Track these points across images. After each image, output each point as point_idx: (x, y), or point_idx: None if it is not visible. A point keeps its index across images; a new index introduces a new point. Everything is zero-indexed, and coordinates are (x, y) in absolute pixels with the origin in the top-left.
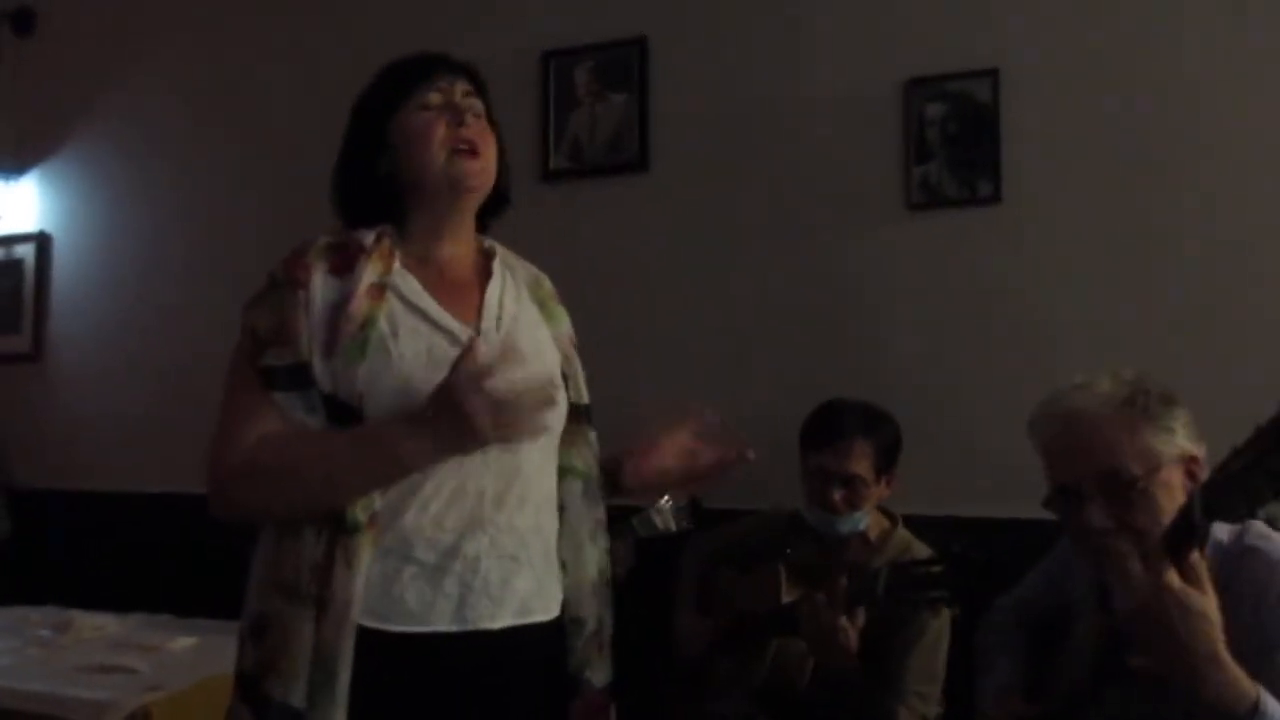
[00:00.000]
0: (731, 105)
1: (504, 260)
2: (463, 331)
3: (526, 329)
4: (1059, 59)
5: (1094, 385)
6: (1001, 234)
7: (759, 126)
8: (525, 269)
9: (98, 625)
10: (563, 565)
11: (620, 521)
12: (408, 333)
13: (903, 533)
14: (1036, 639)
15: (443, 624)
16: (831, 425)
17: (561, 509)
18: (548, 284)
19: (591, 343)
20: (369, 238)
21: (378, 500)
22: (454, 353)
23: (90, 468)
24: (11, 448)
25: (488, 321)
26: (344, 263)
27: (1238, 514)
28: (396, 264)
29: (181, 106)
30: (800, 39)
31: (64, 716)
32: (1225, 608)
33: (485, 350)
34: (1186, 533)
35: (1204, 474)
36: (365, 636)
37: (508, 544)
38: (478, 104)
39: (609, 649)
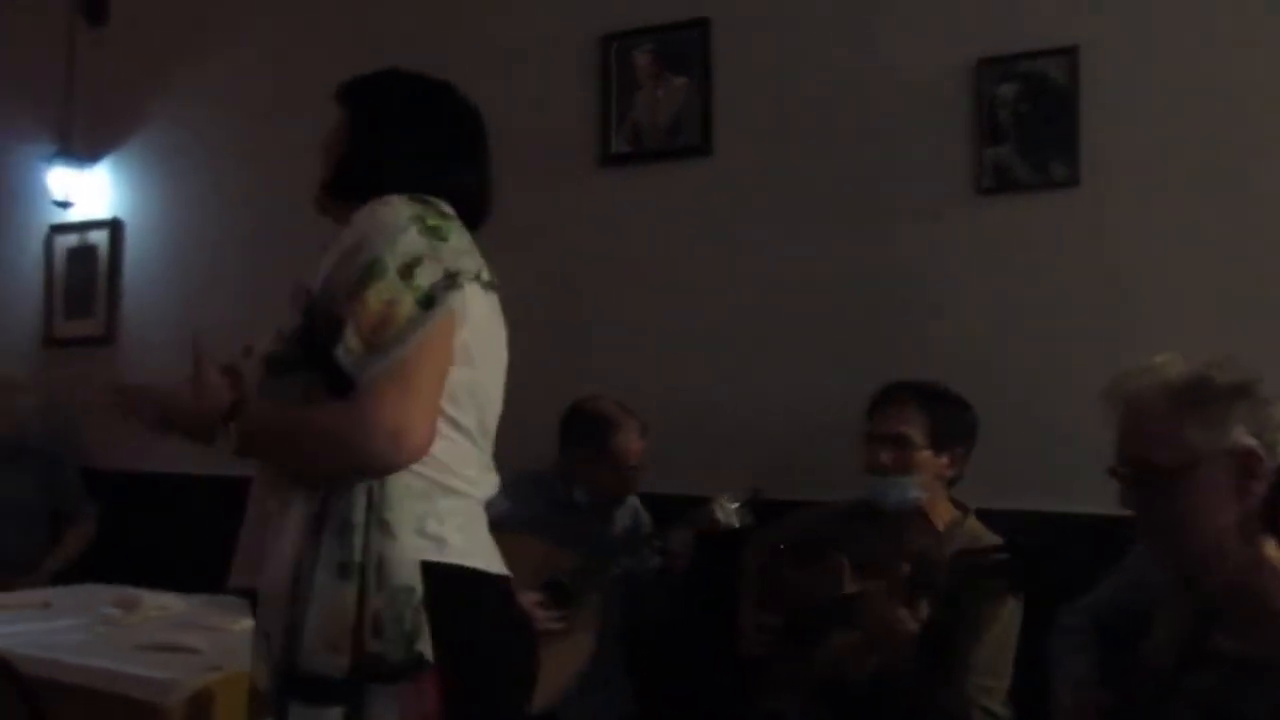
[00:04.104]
0: (796, 87)
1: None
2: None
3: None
4: (1142, 35)
5: (1162, 368)
6: (1079, 219)
7: (824, 109)
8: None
9: (163, 605)
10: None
11: (680, 515)
12: None
13: (973, 523)
14: (1113, 640)
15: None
16: (888, 391)
17: None
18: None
19: (650, 329)
20: None
21: None
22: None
23: (162, 449)
24: (88, 430)
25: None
26: None
27: None
28: None
29: (250, 92)
30: (867, 19)
31: (127, 694)
32: None
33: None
34: None
35: (1264, 470)
36: None
37: (251, 508)
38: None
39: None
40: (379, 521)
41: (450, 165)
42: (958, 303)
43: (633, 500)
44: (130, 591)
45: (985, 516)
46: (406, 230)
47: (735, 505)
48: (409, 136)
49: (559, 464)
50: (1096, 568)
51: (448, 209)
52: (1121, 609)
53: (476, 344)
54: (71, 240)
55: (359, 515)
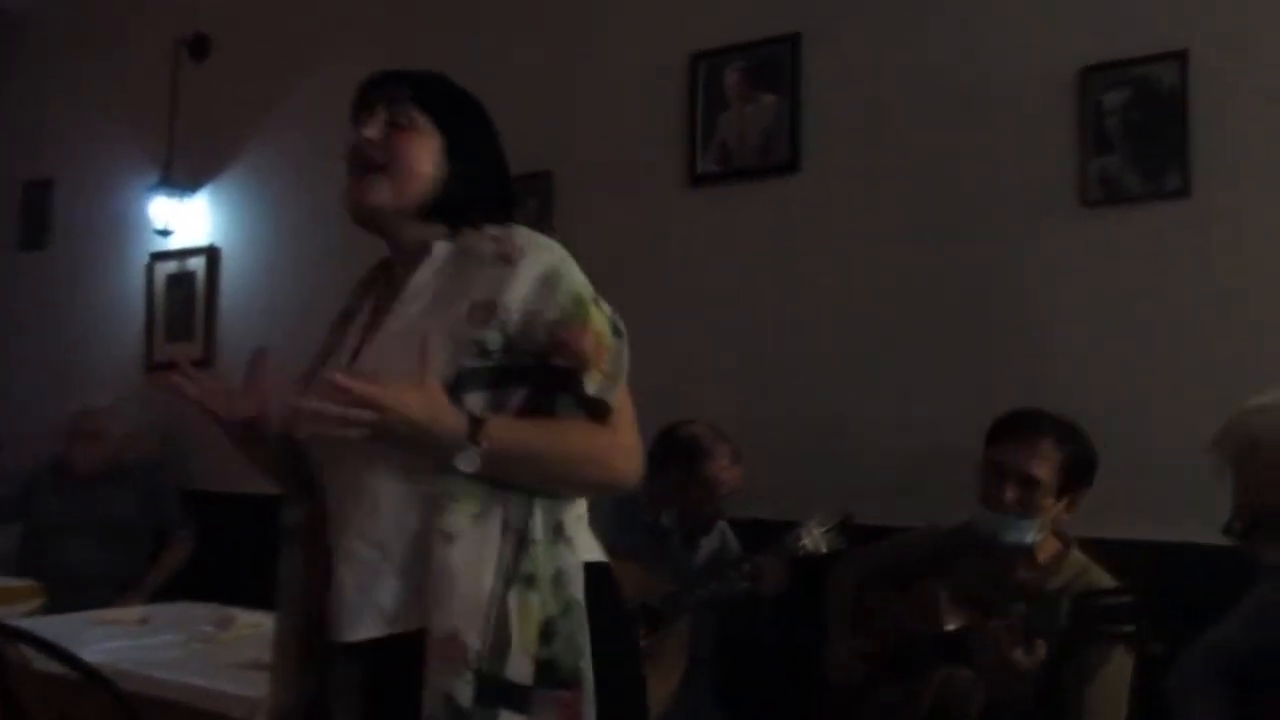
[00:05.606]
0: (889, 102)
1: (461, 246)
2: (336, 359)
3: (403, 334)
4: (1257, 36)
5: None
6: (1190, 231)
7: (919, 122)
8: (486, 243)
9: (255, 623)
10: None
11: (768, 539)
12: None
13: (1078, 555)
14: (1239, 686)
15: (333, 633)
16: (1023, 420)
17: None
18: (492, 246)
19: (740, 350)
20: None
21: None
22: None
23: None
24: (188, 451)
25: (351, 339)
26: None
27: None
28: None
29: (341, 124)
30: (963, 27)
31: (221, 711)
32: None
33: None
34: None
35: None
36: None
37: (363, 550)
38: (401, 113)
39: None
40: (561, 536)
41: (514, 193)
42: (1062, 321)
43: (720, 524)
44: (224, 609)
45: (1091, 546)
46: (573, 261)
47: (824, 530)
48: (497, 164)
49: (649, 488)
50: (1210, 602)
51: None
52: (1252, 652)
53: None
54: (171, 267)
55: (539, 530)
